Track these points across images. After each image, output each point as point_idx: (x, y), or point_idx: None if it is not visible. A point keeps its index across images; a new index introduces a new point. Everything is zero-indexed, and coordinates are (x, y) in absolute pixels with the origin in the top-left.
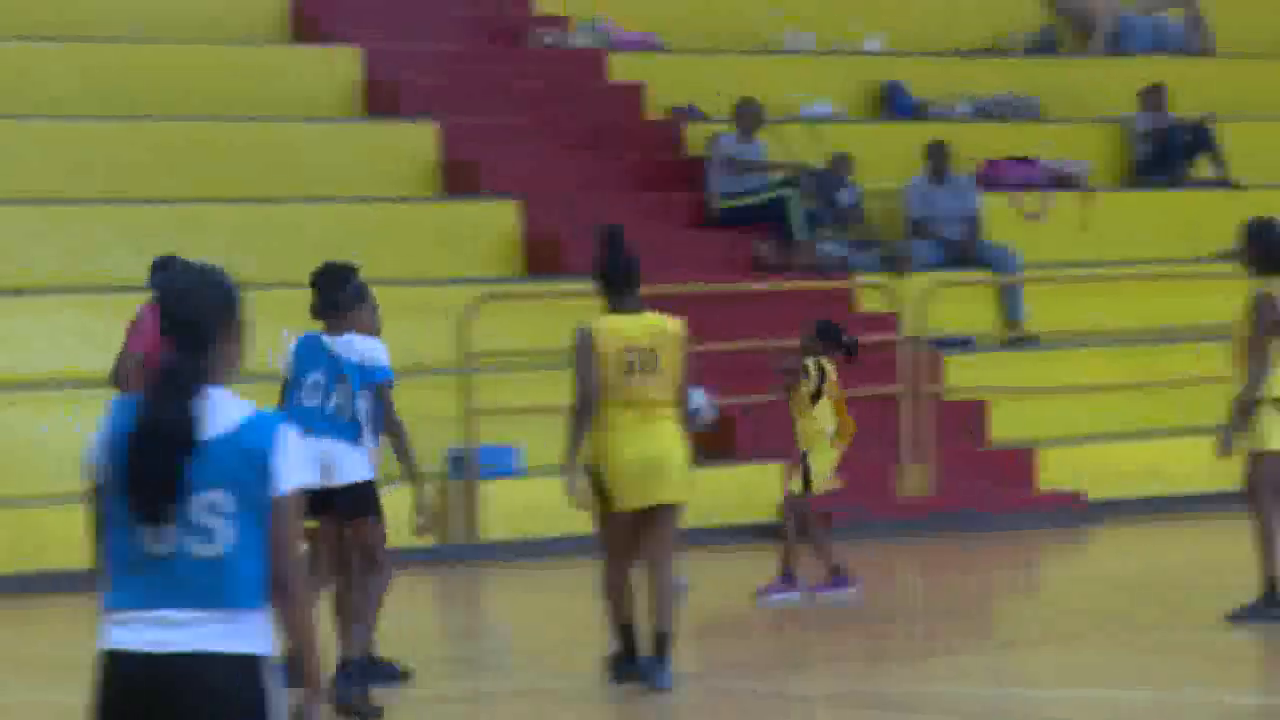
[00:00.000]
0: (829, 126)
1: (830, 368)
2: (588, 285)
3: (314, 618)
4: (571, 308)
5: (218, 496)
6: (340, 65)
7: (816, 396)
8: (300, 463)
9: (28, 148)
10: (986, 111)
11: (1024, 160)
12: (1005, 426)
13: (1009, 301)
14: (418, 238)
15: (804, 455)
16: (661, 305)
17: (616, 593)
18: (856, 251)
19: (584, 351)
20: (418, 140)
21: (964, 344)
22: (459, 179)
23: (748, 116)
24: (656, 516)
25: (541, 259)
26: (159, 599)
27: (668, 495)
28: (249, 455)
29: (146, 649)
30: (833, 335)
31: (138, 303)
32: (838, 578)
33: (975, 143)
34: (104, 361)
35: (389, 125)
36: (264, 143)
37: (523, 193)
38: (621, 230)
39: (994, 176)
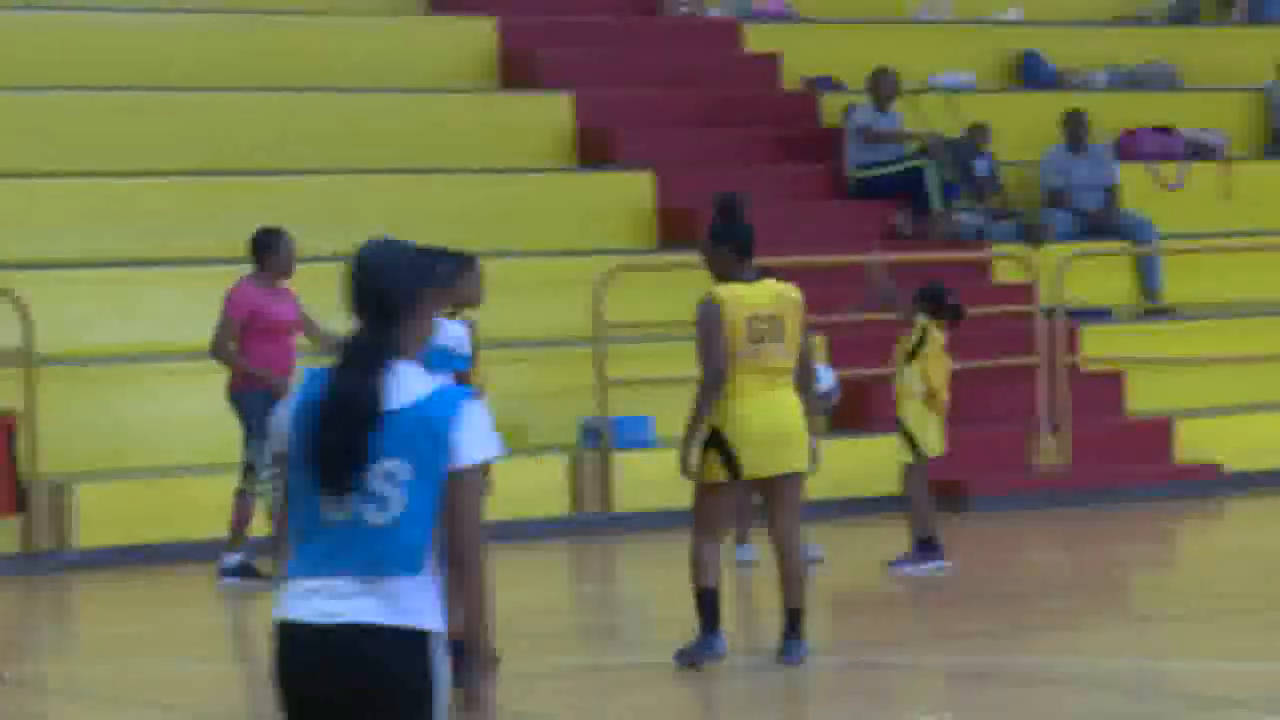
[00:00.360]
0: (966, 96)
1: (936, 334)
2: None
3: (489, 592)
4: (705, 279)
5: (395, 465)
6: (476, 37)
7: (911, 356)
8: (483, 438)
9: (171, 123)
10: (1125, 81)
11: (1162, 130)
12: (1142, 398)
13: (1146, 272)
14: (552, 210)
15: (899, 421)
16: (797, 276)
17: (701, 567)
18: (993, 222)
19: (713, 322)
20: (553, 112)
21: (1101, 315)
22: (593, 150)
23: (883, 87)
24: (783, 486)
25: (675, 230)
26: (331, 567)
27: (796, 463)
28: (429, 427)
29: (315, 620)
30: (938, 297)
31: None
32: (925, 547)
33: (1113, 112)
34: None
35: (524, 97)
36: (400, 115)
37: (656, 163)
38: (736, 198)
39: (1132, 146)
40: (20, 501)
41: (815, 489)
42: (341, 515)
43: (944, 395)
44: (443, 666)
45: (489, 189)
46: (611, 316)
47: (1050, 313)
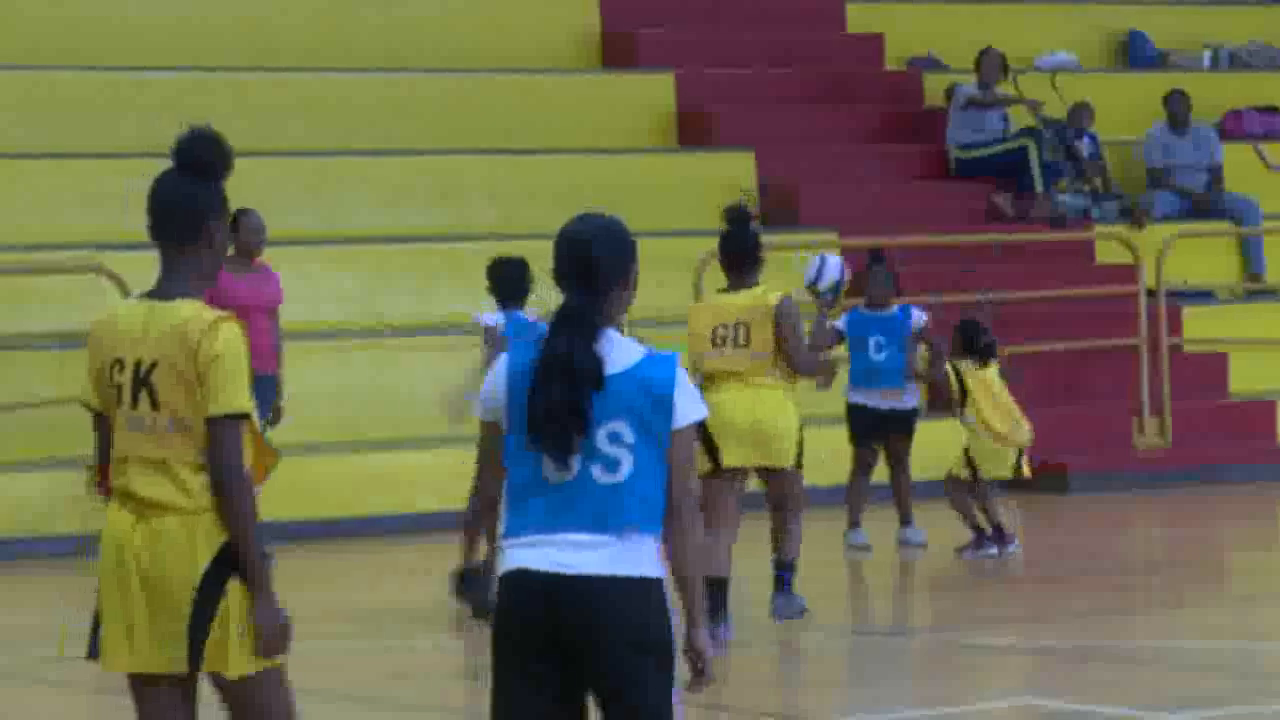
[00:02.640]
0: (1069, 76)
1: (972, 373)
2: (822, 235)
3: (702, 546)
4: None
5: (620, 427)
6: (578, 17)
7: (962, 403)
8: (695, 399)
9: (280, 102)
10: (1229, 61)
11: (1267, 110)
12: (1245, 379)
13: (1250, 253)
14: (652, 190)
15: (965, 450)
16: (900, 258)
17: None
18: (1095, 203)
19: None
20: (653, 92)
21: (1204, 296)
22: (693, 131)
23: (988, 67)
24: (769, 479)
25: (776, 210)
26: (561, 523)
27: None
28: (649, 390)
29: (550, 569)
30: (967, 335)
31: (376, 255)
32: (984, 537)
33: (1217, 92)
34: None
35: (625, 77)
36: (504, 96)
37: (757, 143)
38: (748, 210)
39: (1236, 126)
40: None
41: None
42: (567, 475)
43: (1009, 431)
44: (673, 614)
45: (590, 169)
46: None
47: (1153, 294)
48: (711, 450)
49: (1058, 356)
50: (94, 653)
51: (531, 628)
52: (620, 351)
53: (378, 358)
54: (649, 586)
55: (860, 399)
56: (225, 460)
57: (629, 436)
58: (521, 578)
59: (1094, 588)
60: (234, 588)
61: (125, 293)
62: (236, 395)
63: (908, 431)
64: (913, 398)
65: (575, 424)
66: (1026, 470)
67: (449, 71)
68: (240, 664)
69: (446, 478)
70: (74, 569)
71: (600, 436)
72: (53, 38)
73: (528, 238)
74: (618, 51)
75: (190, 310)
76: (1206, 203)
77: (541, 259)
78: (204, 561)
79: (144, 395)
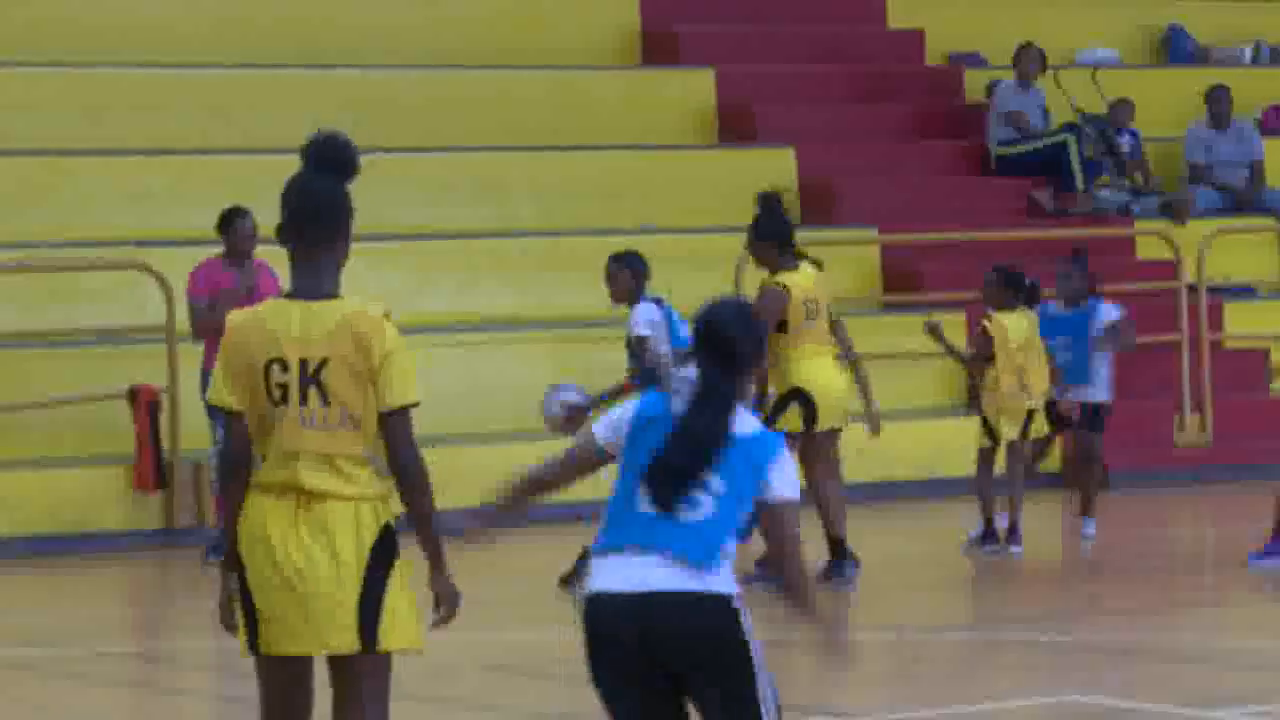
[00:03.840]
0: (1109, 72)
1: (993, 318)
2: (861, 232)
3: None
4: (844, 253)
5: (714, 480)
6: (618, 14)
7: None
8: (791, 479)
9: (320, 98)
10: (1271, 56)
11: None
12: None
13: None
14: (693, 186)
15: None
16: (939, 254)
17: None
18: (1136, 199)
19: (778, 303)
20: (694, 88)
21: (1245, 292)
22: (734, 126)
23: (1028, 63)
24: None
25: (816, 206)
26: (644, 548)
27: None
28: (751, 459)
29: (631, 589)
30: (1016, 282)
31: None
32: (990, 532)
33: (1258, 88)
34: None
35: (666, 73)
36: (545, 92)
37: (798, 139)
38: (781, 196)
39: (1277, 122)
40: (163, 478)
41: (958, 466)
42: (659, 510)
43: (1013, 390)
44: (751, 627)
45: (631, 165)
46: (750, 293)
47: (1194, 290)
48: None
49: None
50: (253, 645)
51: (615, 647)
52: (739, 424)
53: (423, 355)
54: (728, 600)
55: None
56: (407, 448)
57: (719, 489)
58: (604, 598)
59: (1138, 584)
60: (396, 569)
61: (166, 289)
62: (411, 388)
63: (1096, 427)
64: (1102, 392)
65: (685, 488)
66: (1040, 429)
67: (492, 68)
68: (400, 639)
69: (482, 474)
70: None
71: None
72: (97, 37)
73: (570, 234)
74: (658, 48)
75: (351, 307)
76: (1247, 198)
77: (583, 253)
78: (369, 546)
79: (313, 392)
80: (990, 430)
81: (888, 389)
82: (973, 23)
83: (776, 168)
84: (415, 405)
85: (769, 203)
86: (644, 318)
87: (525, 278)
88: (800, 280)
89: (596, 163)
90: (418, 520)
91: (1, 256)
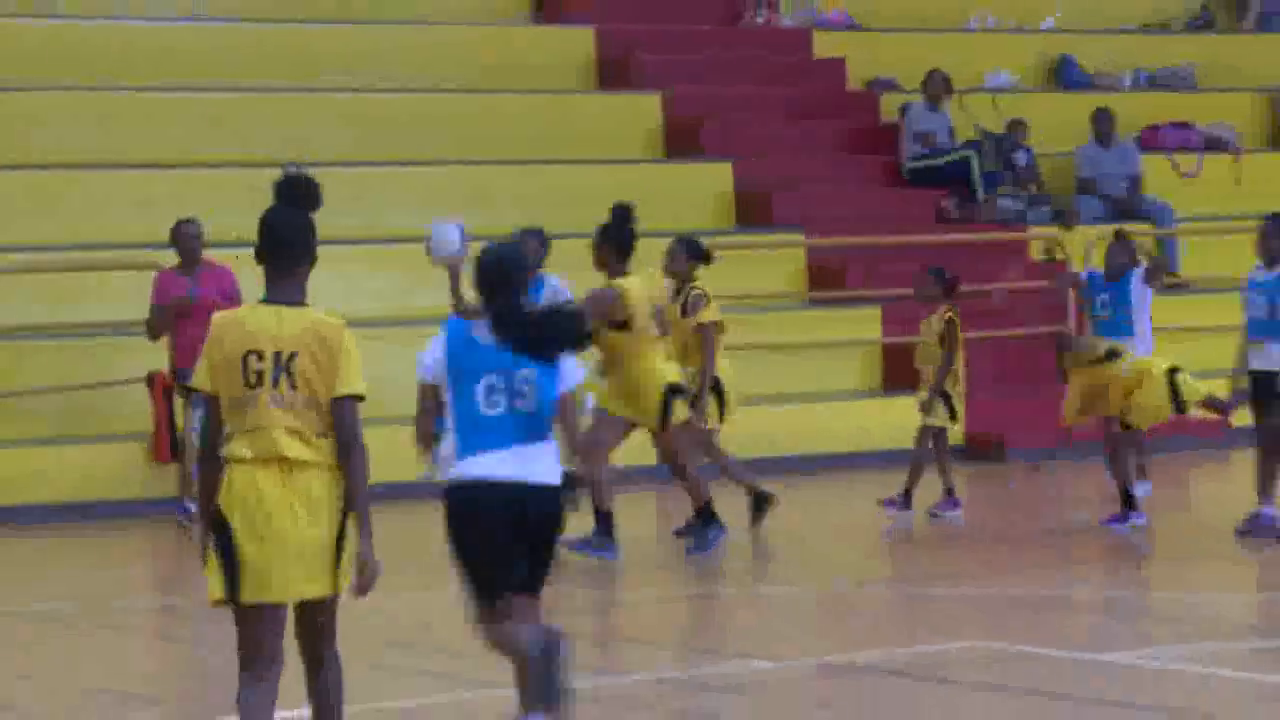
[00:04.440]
0: (1007, 96)
1: (938, 315)
2: (790, 235)
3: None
4: (775, 255)
5: (530, 373)
6: (578, 44)
7: (952, 344)
8: (572, 370)
9: (320, 117)
10: (1148, 82)
11: (1181, 125)
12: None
13: (1166, 251)
14: (645, 194)
15: (947, 394)
16: (859, 256)
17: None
18: (1030, 207)
19: (606, 301)
20: (645, 109)
21: None
22: (681, 142)
23: (935, 87)
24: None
25: (752, 213)
26: (497, 443)
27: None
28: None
29: (493, 477)
30: (956, 282)
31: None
32: (952, 499)
33: (1138, 110)
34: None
35: (621, 96)
36: (522, 112)
37: (736, 154)
38: (632, 210)
39: (1154, 140)
40: (175, 451)
41: (875, 442)
42: (498, 411)
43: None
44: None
45: (594, 176)
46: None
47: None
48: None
49: (997, 342)
50: (233, 594)
51: (485, 519)
52: None
53: (410, 349)
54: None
55: None
56: (350, 429)
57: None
58: (471, 486)
59: (1033, 546)
60: (350, 523)
61: None
62: (359, 382)
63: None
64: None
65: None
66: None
67: (474, 92)
68: (345, 581)
69: None
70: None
71: (520, 379)
72: (108, 60)
73: (549, 236)
74: (614, 75)
75: (316, 314)
76: (1128, 206)
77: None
78: (338, 506)
79: (283, 378)
80: (952, 411)
81: (812, 375)
82: (888, 52)
83: (718, 178)
84: (361, 397)
85: (621, 213)
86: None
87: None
88: (636, 285)
89: (566, 174)
90: (353, 491)
91: (35, 258)
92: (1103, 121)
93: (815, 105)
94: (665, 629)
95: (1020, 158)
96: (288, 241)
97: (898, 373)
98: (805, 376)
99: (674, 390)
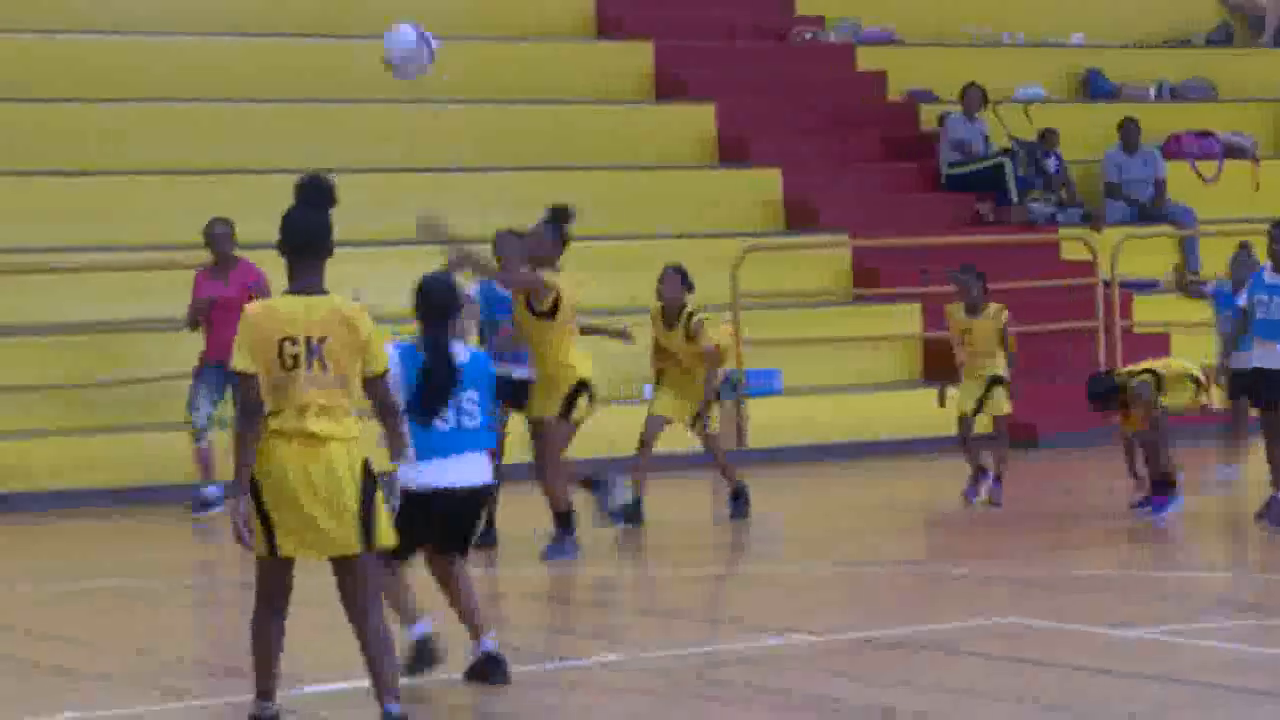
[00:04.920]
0: (1039, 106)
1: (993, 312)
2: (835, 237)
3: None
4: (823, 257)
5: (473, 394)
6: (636, 58)
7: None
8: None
9: (365, 127)
10: (1171, 94)
11: (1202, 134)
12: (1184, 354)
13: (1188, 252)
14: (698, 200)
15: (1005, 380)
16: (898, 256)
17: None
18: (1060, 210)
19: (538, 282)
20: (698, 119)
21: (1149, 286)
22: (731, 151)
23: (972, 99)
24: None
25: (798, 217)
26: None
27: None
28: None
29: (442, 485)
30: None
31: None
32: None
33: (1161, 120)
34: None
35: (675, 107)
36: (578, 123)
37: (783, 162)
38: (569, 209)
39: (1177, 147)
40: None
41: (912, 430)
42: (446, 425)
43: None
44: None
45: (648, 182)
46: (745, 288)
47: (1108, 285)
48: None
49: (1030, 337)
50: (272, 549)
51: (429, 517)
52: (461, 355)
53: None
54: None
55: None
56: (390, 398)
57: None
58: (422, 491)
59: (1059, 529)
60: (377, 488)
61: None
62: (385, 360)
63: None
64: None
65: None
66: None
67: (531, 103)
68: (386, 537)
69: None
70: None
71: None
72: (180, 75)
73: (597, 239)
74: (670, 87)
75: (338, 301)
76: (1152, 210)
77: (609, 255)
78: (360, 473)
79: (316, 360)
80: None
81: (855, 366)
82: (927, 65)
83: (767, 184)
84: (387, 372)
85: (558, 213)
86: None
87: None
88: (564, 282)
89: (619, 180)
90: (399, 447)
91: (113, 258)
92: (1129, 130)
93: (858, 115)
94: (697, 603)
95: (1051, 164)
96: (311, 237)
97: (937, 365)
98: (849, 369)
99: (583, 385)
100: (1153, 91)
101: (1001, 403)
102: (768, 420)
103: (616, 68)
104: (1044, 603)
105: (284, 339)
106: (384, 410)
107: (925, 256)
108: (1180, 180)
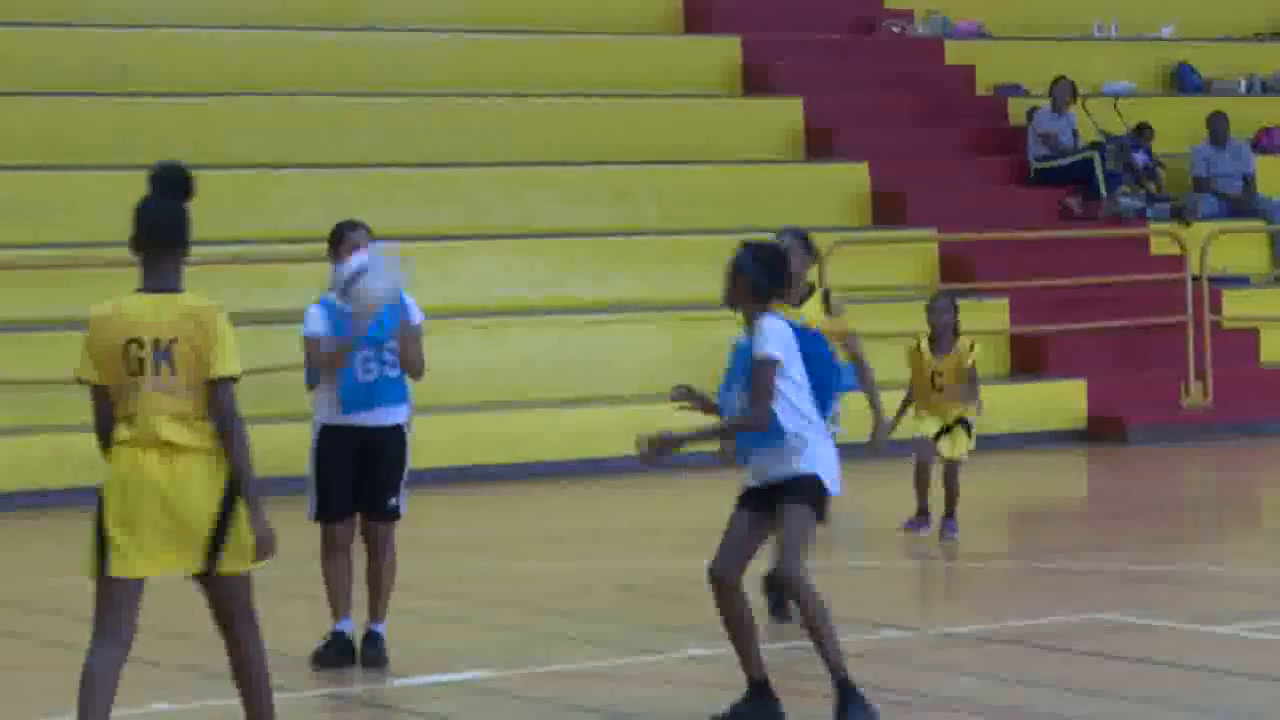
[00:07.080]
0: (1128, 100)
1: (967, 345)
2: (923, 232)
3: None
4: (911, 250)
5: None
6: (723, 52)
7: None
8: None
9: (484, 122)
10: (1261, 88)
11: None
12: (1274, 350)
13: (1278, 246)
14: (785, 193)
15: (969, 425)
16: (989, 250)
17: None
18: (1150, 204)
19: None
20: (786, 113)
21: (1239, 281)
22: (819, 145)
23: (1061, 92)
24: None
25: (886, 211)
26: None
27: None
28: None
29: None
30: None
31: (562, 247)
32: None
33: (1252, 114)
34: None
35: (763, 101)
36: (668, 117)
37: (871, 156)
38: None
39: (1267, 141)
40: None
41: (1000, 425)
42: (371, 376)
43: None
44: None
45: (734, 177)
46: (833, 281)
47: (1197, 280)
48: None
49: (1118, 332)
50: (104, 569)
51: (349, 454)
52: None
53: (565, 332)
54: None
55: None
56: (228, 409)
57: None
58: (341, 429)
59: (1152, 522)
60: (239, 506)
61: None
62: (234, 364)
63: None
64: None
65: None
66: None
67: (622, 96)
68: (242, 563)
69: (613, 427)
70: None
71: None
72: (298, 70)
73: (687, 233)
74: (757, 80)
75: (191, 300)
76: (1242, 204)
77: (698, 248)
78: (221, 487)
79: (164, 365)
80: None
81: None
82: (1015, 59)
83: (855, 179)
84: (236, 378)
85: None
86: None
87: (649, 269)
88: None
89: (707, 174)
90: (237, 469)
91: (239, 250)
92: (1218, 124)
93: (946, 109)
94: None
95: (1140, 159)
96: (164, 230)
97: (1024, 358)
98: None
99: None
100: (1243, 85)
101: (961, 443)
102: (846, 416)
103: (704, 62)
104: (1140, 598)
105: (129, 341)
106: (221, 422)
107: (1014, 251)
108: (1270, 175)
